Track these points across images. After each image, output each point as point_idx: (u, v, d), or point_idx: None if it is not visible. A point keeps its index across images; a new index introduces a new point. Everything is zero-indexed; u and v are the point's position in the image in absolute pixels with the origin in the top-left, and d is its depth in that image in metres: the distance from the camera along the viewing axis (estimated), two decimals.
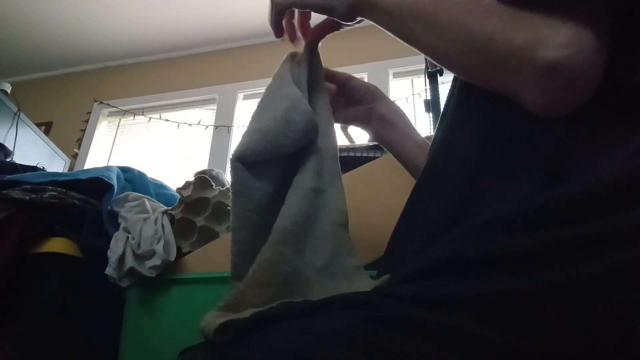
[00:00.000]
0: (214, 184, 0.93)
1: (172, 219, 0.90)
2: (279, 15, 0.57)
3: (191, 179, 0.94)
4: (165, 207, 0.95)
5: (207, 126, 2.83)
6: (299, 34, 0.61)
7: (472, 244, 0.34)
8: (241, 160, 0.53)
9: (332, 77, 0.69)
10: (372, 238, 0.78)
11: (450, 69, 0.43)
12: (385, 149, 0.71)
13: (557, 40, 0.33)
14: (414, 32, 0.43)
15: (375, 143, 0.82)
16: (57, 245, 0.90)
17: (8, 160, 1.51)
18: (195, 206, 0.90)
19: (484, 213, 0.38)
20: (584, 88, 0.34)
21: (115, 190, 0.97)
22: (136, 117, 3.00)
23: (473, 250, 0.33)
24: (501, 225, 0.34)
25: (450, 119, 0.49)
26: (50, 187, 0.93)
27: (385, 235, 0.51)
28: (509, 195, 0.39)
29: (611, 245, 0.28)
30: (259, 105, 0.59)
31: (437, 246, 0.38)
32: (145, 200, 0.95)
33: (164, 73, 3.17)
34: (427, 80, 1.52)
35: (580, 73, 0.33)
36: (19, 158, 1.58)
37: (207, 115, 2.91)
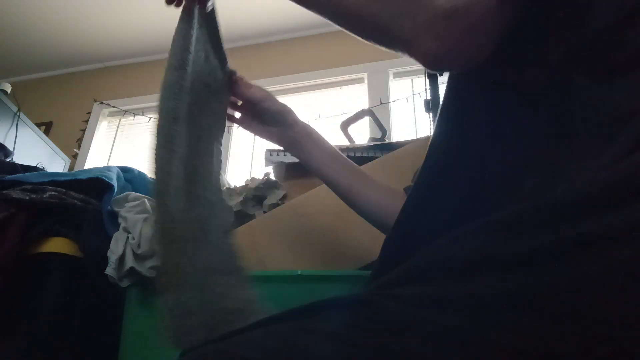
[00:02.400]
0: None
1: None
2: None
3: None
4: None
5: None
6: None
7: (473, 245, 0.34)
8: None
9: (248, 96, 0.73)
10: (372, 238, 0.78)
11: (343, 20, 0.41)
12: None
13: None
14: None
15: (375, 143, 0.82)
16: (57, 245, 0.90)
17: (8, 160, 1.51)
18: None
19: (487, 212, 0.37)
20: (481, 38, 0.33)
21: (115, 190, 0.97)
22: (136, 117, 3.00)
23: (473, 251, 0.33)
24: (501, 226, 0.34)
25: (447, 118, 0.48)
26: (50, 187, 0.93)
27: (384, 236, 0.51)
28: (513, 193, 0.38)
29: (611, 244, 0.28)
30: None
31: (437, 246, 0.38)
32: (145, 200, 0.95)
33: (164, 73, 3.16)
34: (427, 80, 1.52)
35: (477, 20, 0.32)
36: (19, 158, 1.58)
37: None
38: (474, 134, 0.44)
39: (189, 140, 0.56)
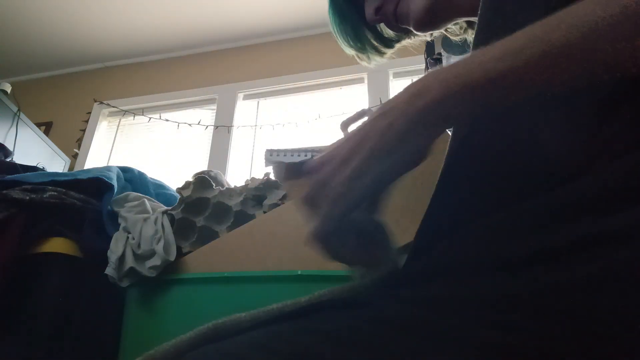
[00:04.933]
0: (213, 184, 0.93)
1: (172, 219, 0.90)
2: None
3: (191, 179, 0.94)
4: (165, 207, 0.95)
5: (207, 126, 2.83)
6: None
7: (473, 245, 0.34)
8: None
9: None
10: None
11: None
12: None
13: None
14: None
15: None
16: (57, 245, 0.91)
17: (8, 160, 1.51)
18: (195, 206, 0.90)
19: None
20: None
21: (115, 190, 0.97)
22: (136, 117, 3.00)
23: (473, 252, 0.34)
24: (501, 227, 0.34)
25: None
26: (50, 187, 0.93)
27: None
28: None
29: (611, 244, 0.28)
30: None
31: (438, 247, 0.38)
32: (145, 200, 0.96)
33: (164, 73, 3.17)
34: None
35: None
36: (19, 158, 1.58)
37: (207, 115, 2.91)
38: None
39: None
